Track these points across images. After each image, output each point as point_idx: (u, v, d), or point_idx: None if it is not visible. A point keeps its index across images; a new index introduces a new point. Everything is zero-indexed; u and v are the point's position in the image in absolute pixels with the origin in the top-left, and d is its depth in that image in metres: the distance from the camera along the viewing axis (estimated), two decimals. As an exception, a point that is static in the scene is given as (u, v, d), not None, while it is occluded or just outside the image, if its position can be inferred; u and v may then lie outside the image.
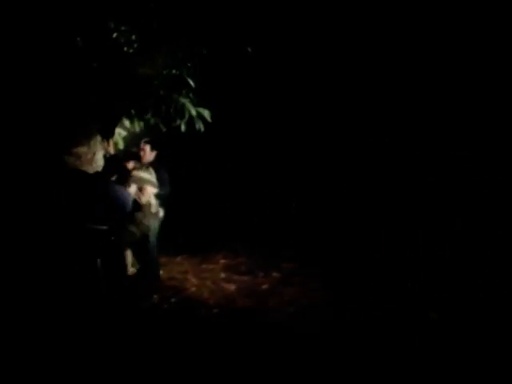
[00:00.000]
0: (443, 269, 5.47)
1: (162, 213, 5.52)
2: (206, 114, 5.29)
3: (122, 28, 4.84)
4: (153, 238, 5.43)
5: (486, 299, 4.52)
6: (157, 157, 5.69)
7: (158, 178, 5.47)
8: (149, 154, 5.60)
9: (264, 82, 8.69)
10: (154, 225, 5.40)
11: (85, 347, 3.68)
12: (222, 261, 6.31)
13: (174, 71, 5.19)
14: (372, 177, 8.62)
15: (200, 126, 5.29)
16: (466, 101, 8.10)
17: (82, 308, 4.40)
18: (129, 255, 5.50)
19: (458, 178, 7.85)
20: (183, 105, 5.12)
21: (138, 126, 5.71)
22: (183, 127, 5.30)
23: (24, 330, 3.92)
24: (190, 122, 5.25)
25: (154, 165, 5.57)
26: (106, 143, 5.43)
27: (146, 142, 5.65)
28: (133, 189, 5.10)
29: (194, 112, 5.16)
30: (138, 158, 5.51)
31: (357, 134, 8.95)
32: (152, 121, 5.48)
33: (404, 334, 3.87)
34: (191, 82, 5.22)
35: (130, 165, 5.27)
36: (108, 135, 5.17)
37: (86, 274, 4.71)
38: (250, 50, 5.06)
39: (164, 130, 5.43)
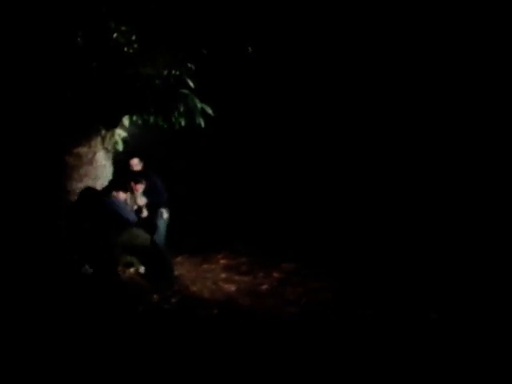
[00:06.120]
0: (443, 269, 5.46)
1: (166, 214, 5.59)
2: (208, 109, 5.29)
3: (123, 28, 4.85)
4: (160, 238, 5.50)
5: (486, 299, 4.52)
6: (145, 165, 5.62)
7: (151, 187, 5.45)
8: (139, 167, 5.55)
9: (265, 81, 8.69)
10: (160, 227, 5.52)
11: (84, 346, 3.69)
12: (223, 261, 6.30)
13: (173, 72, 5.20)
14: (372, 176, 8.63)
15: (200, 121, 5.28)
16: (465, 101, 8.10)
17: (79, 305, 4.42)
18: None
19: (457, 177, 7.86)
20: (186, 95, 5.12)
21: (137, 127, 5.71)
22: (183, 122, 5.30)
23: (23, 328, 3.94)
24: (191, 117, 5.24)
25: (145, 174, 5.52)
26: (106, 143, 5.44)
27: (132, 156, 5.58)
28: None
29: (197, 104, 5.16)
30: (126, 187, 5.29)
31: (357, 134, 8.96)
32: (152, 119, 5.48)
33: (404, 333, 3.87)
34: (191, 83, 5.23)
35: (122, 196, 5.09)
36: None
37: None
38: (250, 49, 5.06)
39: (165, 126, 5.43)
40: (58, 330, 3.96)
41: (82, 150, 5.16)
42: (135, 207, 5.31)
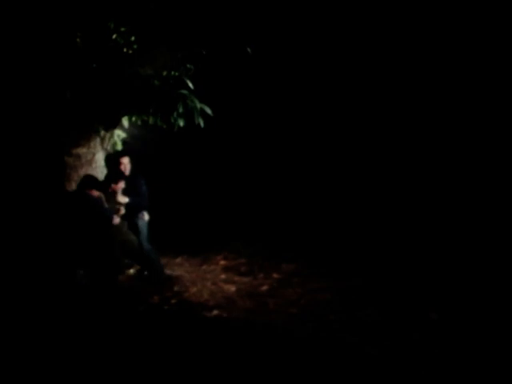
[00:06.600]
0: (443, 269, 5.47)
1: (147, 216, 5.51)
2: (208, 109, 5.28)
3: (122, 29, 4.85)
4: (144, 240, 5.44)
5: (486, 299, 4.52)
6: (133, 166, 5.52)
7: (134, 188, 5.38)
8: (129, 166, 5.47)
9: (264, 82, 8.70)
10: (142, 228, 5.45)
11: (84, 346, 3.69)
12: (222, 262, 6.31)
13: (173, 72, 5.20)
14: (372, 177, 8.63)
15: (200, 121, 5.27)
16: (465, 101, 8.11)
17: (79, 307, 4.42)
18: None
19: (457, 177, 7.86)
20: (185, 96, 5.10)
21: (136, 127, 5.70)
22: (182, 123, 5.29)
23: (24, 328, 3.94)
24: (190, 118, 5.23)
25: (130, 175, 5.44)
26: (105, 144, 5.44)
27: (124, 155, 5.51)
28: None
29: (197, 104, 5.15)
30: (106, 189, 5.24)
31: (356, 134, 8.96)
32: (151, 120, 5.48)
33: (404, 333, 3.87)
34: (190, 84, 5.23)
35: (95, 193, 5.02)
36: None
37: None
38: (249, 50, 5.06)
39: (164, 126, 5.42)
40: (59, 330, 3.96)
41: (82, 150, 5.16)
42: (117, 206, 5.24)
